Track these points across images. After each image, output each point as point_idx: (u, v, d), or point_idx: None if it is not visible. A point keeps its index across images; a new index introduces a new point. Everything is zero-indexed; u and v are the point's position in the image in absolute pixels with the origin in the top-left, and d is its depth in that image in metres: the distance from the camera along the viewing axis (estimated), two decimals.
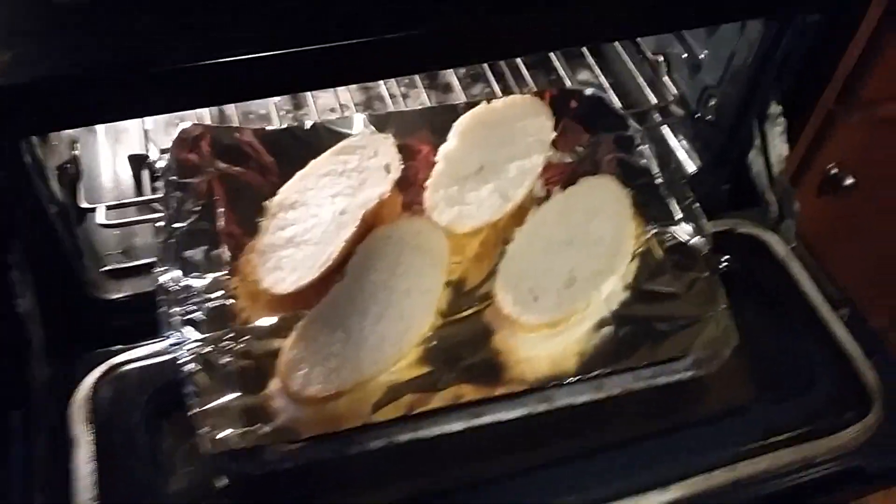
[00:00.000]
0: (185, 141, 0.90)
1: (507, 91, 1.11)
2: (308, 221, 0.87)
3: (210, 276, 0.83)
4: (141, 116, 0.96)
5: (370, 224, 0.86)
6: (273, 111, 1.07)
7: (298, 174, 0.90)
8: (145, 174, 0.99)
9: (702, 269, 0.87)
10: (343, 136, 0.93)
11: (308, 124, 0.95)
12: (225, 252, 0.85)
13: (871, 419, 0.81)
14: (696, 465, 0.77)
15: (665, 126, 1.11)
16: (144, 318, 0.78)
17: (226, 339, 0.78)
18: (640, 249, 0.90)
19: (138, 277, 0.88)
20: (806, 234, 0.98)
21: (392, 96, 1.11)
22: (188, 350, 0.76)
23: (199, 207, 0.87)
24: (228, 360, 0.77)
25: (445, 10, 0.70)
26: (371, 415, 0.75)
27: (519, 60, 1.14)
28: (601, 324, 0.84)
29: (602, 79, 1.14)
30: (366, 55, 0.69)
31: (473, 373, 0.79)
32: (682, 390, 0.82)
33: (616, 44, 1.17)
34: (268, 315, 0.81)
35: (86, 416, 0.76)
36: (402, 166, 0.90)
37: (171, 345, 0.76)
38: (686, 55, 1.07)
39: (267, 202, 0.88)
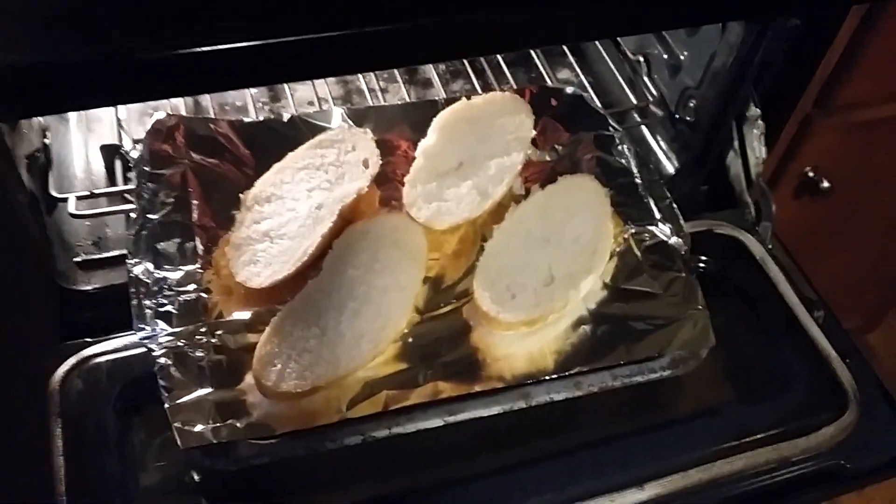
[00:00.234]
0: (159, 131, 0.89)
1: (487, 87, 1.11)
2: (284, 215, 0.85)
3: (183, 269, 0.81)
4: (114, 105, 0.95)
5: (347, 219, 0.85)
6: (250, 103, 1.05)
7: (275, 167, 0.89)
8: (118, 164, 0.98)
9: (679, 269, 0.87)
10: (321, 130, 0.93)
11: (286, 117, 0.94)
12: (198, 245, 0.83)
13: (846, 419, 0.81)
14: (672, 464, 0.77)
15: (644, 126, 1.11)
16: (116, 310, 0.77)
17: (199, 334, 0.77)
18: (618, 249, 0.90)
19: (110, 269, 0.87)
20: (783, 236, 0.99)
21: (371, 90, 1.10)
22: (160, 344, 0.75)
23: (173, 199, 0.85)
24: (201, 354, 0.76)
25: (426, 5, 0.69)
26: (347, 411, 0.74)
27: (499, 57, 1.14)
28: (579, 322, 0.84)
29: (582, 77, 1.14)
30: (344, 48, 0.68)
31: (451, 370, 0.78)
32: (660, 389, 0.82)
33: (597, 43, 1.17)
34: (242, 309, 0.80)
35: (55, 409, 0.75)
36: (381, 161, 0.89)
37: (143, 338, 0.75)
38: (666, 56, 1.07)
39: (242, 195, 0.87)
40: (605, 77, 1.16)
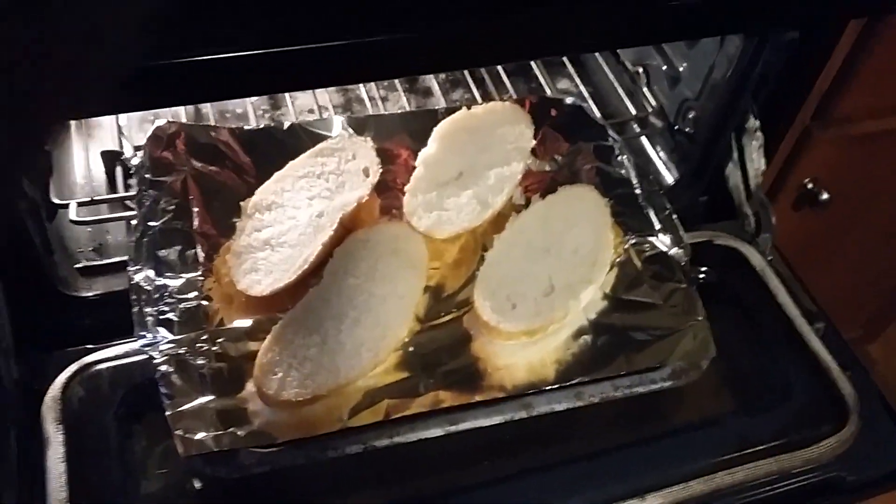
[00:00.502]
0: (160, 139, 0.89)
1: (487, 97, 1.11)
2: (285, 224, 0.85)
3: (184, 277, 0.81)
4: (115, 114, 0.95)
5: (348, 228, 0.85)
6: (250, 110, 1.05)
7: (275, 175, 0.89)
8: (119, 171, 0.98)
9: (680, 279, 0.87)
10: (321, 138, 0.93)
11: (286, 125, 0.94)
12: (199, 252, 0.83)
13: (847, 431, 0.81)
14: (673, 475, 0.77)
15: (644, 137, 1.11)
16: (117, 317, 0.77)
17: (200, 341, 0.76)
18: (618, 259, 0.90)
19: (111, 276, 0.86)
20: (782, 247, 0.99)
21: (371, 99, 1.10)
22: (162, 351, 0.75)
23: (174, 206, 0.85)
24: (203, 362, 0.75)
25: (427, 16, 0.70)
26: (348, 420, 0.74)
27: (499, 67, 1.14)
28: (579, 332, 0.84)
29: (582, 88, 1.14)
30: (346, 58, 0.69)
31: (452, 379, 0.78)
32: (660, 400, 0.82)
33: (596, 54, 1.17)
34: (243, 317, 0.80)
35: (57, 416, 0.75)
36: (381, 170, 0.89)
37: (144, 345, 0.75)
38: (665, 67, 1.07)
39: (243, 203, 0.87)
40: (605, 88, 1.17)
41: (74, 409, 0.76)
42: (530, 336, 0.82)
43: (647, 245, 0.90)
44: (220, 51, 0.64)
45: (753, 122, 0.96)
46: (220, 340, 0.77)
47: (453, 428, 0.75)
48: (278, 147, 0.92)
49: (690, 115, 1.03)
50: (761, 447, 0.81)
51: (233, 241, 0.84)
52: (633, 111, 1.11)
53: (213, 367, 0.75)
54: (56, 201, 0.88)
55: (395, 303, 0.82)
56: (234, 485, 0.72)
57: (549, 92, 1.12)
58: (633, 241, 0.91)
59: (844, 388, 0.84)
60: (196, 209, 0.86)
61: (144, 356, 0.75)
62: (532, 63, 1.16)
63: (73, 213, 0.88)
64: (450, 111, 0.95)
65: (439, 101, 1.11)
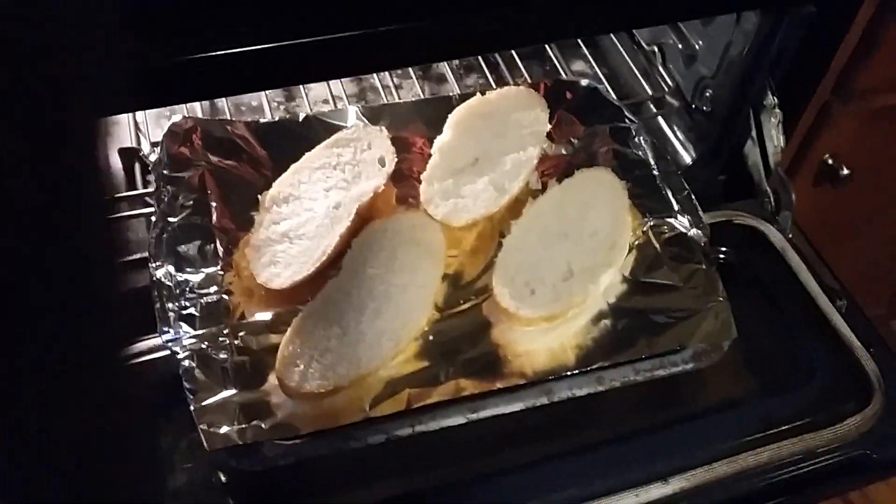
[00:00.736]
0: (177, 134, 0.89)
1: (501, 82, 1.11)
2: (302, 215, 0.86)
3: (204, 272, 0.82)
4: (132, 111, 0.95)
5: (365, 218, 0.85)
6: (265, 103, 1.06)
7: (292, 167, 0.89)
8: (137, 168, 0.98)
9: (699, 260, 0.87)
10: (336, 129, 0.93)
11: (301, 117, 0.95)
12: (219, 247, 0.84)
13: (871, 409, 0.81)
14: (697, 458, 0.77)
15: (660, 117, 1.10)
16: (138, 313, 0.77)
17: (222, 335, 0.77)
18: (637, 241, 0.89)
19: (131, 272, 0.87)
20: (803, 225, 0.98)
21: (385, 87, 1.10)
22: (184, 346, 0.75)
23: (192, 202, 0.86)
24: (225, 356, 0.76)
25: (440, 2, 0.69)
26: (370, 410, 0.74)
27: (513, 51, 1.13)
28: (599, 317, 0.84)
29: (597, 69, 1.13)
30: (359, 48, 0.68)
31: (472, 367, 0.78)
32: (682, 383, 0.82)
33: (611, 34, 1.16)
34: (263, 310, 0.81)
35: None
36: (397, 159, 0.89)
37: (167, 341, 0.76)
38: (681, 46, 1.06)
39: (260, 196, 0.87)
40: (620, 68, 1.16)
41: None
42: (550, 321, 0.82)
43: (665, 226, 0.90)
44: (235, 45, 0.64)
45: (771, 99, 0.95)
46: (241, 334, 0.78)
47: (474, 416, 0.76)
48: (294, 139, 0.92)
49: (707, 94, 1.02)
50: (785, 427, 0.80)
51: (251, 235, 0.84)
52: (650, 91, 1.10)
53: (236, 361, 0.76)
54: None
55: (415, 292, 0.82)
56: (258, 477, 0.73)
57: (563, 74, 1.12)
58: (652, 222, 0.90)
59: (868, 366, 0.83)
60: (214, 204, 0.86)
61: (167, 352, 0.75)
62: (546, 45, 1.15)
63: None
64: (464, 97, 0.95)
65: (453, 87, 1.11)
